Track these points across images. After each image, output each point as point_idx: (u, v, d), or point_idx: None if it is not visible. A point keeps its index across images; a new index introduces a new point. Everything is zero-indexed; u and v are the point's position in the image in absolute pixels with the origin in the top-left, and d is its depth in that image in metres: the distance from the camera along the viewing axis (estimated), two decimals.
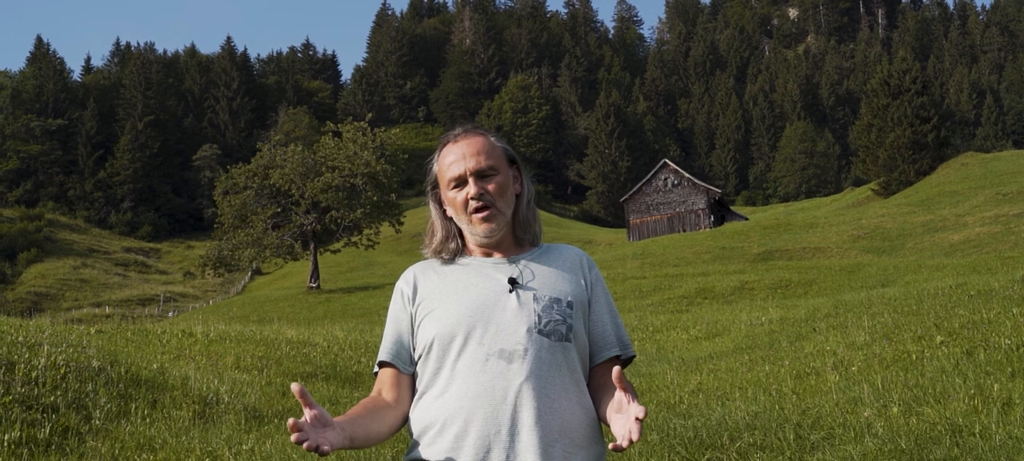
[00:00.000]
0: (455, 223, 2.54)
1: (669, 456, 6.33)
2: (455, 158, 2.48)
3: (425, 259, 2.59)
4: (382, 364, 2.51)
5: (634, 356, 2.58)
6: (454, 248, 2.53)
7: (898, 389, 7.34)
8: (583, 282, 2.50)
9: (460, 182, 2.46)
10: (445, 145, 2.54)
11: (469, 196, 2.44)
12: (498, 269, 2.46)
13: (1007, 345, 8.16)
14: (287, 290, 60.19)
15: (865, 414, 6.66)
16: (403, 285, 2.52)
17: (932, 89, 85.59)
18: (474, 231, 2.46)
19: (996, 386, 6.77)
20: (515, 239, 2.54)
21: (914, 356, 8.92)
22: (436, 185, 2.56)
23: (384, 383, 2.48)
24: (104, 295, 76.75)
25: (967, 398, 6.61)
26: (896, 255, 44.96)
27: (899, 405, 6.80)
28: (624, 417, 2.17)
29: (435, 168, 2.56)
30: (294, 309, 43.88)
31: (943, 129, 79.75)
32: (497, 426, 2.27)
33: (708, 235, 59.31)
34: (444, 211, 2.55)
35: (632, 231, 79.73)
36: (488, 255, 2.51)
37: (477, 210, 2.44)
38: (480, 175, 2.45)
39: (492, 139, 2.53)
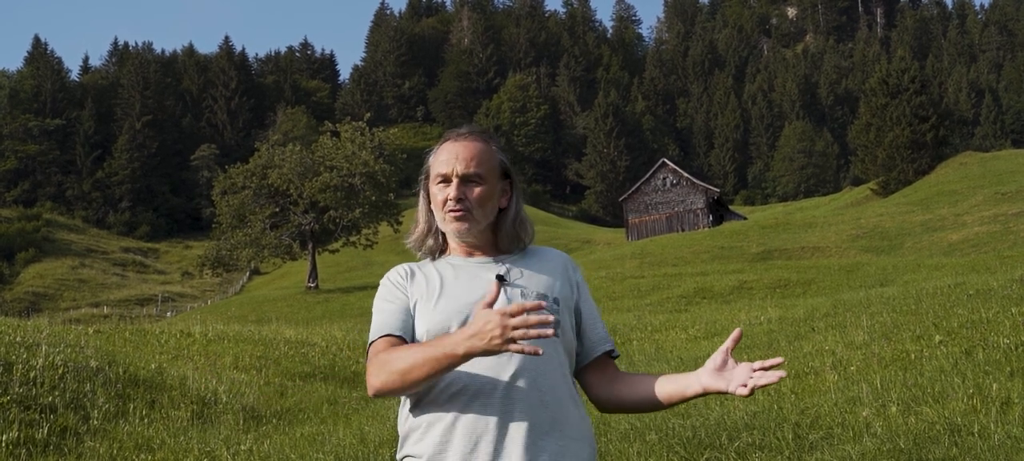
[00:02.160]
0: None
1: (668, 456, 6.32)
2: (448, 156, 2.49)
3: (408, 247, 2.60)
4: (387, 335, 2.41)
5: (618, 355, 2.64)
6: (433, 244, 2.55)
7: (897, 389, 7.33)
8: (569, 283, 2.54)
9: (445, 180, 2.48)
10: (445, 141, 2.56)
11: (449, 196, 2.46)
12: (484, 268, 2.48)
13: (1006, 344, 8.16)
14: (285, 290, 60.18)
15: (864, 414, 6.66)
16: (396, 278, 2.51)
17: (931, 88, 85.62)
18: (446, 229, 2.50)
19: (995, 385, 6.77)
20: (497, 247, 2.55)
21: (913, 355, 8.92)
22: (428, 176, 2.57)
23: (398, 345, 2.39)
24: (102, 295, 76.72)
25: (966, 397, 6.61)
26: (895, 254, 44.98)
27: (898, 405, 6.79)
28: (740, 369, 2.34)
29: (430, 161, 2.58)
30: (292, 309, 43.87)
31: (942, 128, 79.81)
32: (486, 419, 2.28)
33: (707, 235, 59.33)
34: (430, 205, 2.57)
35: (631, 231, 79.73)
36: (471, 255, 2.52)
37: (452, 211, 2.45)
38: (466, 179, 2.47)
39: (493, 148, 2.54)
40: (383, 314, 2.44)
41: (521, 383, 2.31)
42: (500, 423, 2.28)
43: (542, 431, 2.30)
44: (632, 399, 2.51)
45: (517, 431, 2.28)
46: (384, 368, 2.28)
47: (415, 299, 2.44)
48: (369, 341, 2.44)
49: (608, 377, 2.54)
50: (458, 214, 2.45)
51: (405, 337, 2.39)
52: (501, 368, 2.31)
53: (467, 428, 2.28)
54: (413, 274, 2.51)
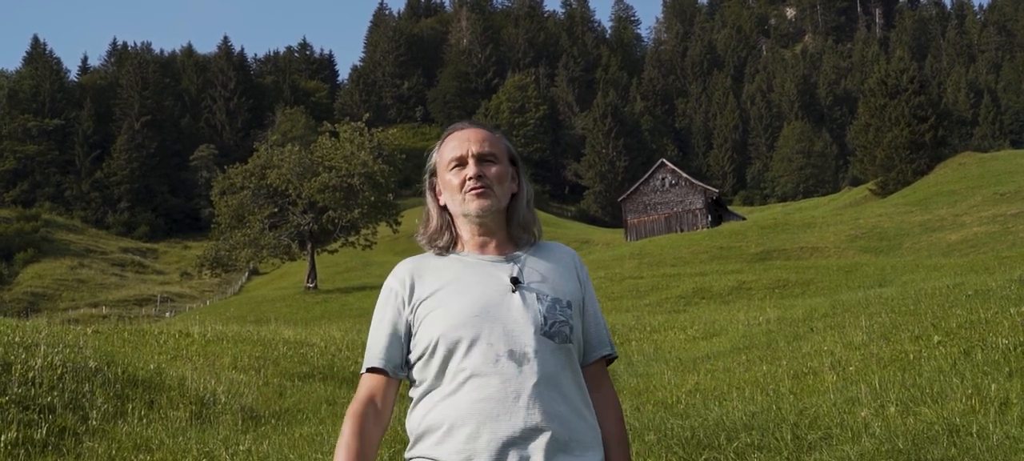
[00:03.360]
0: (449, 215, 2.55)
1: (666, 456, 6.32)
2: (459, 142, 2.51)
3: (419, 246, 2.59)
4: (372, 369, 2.47)
5: (616, 355, 2.62)
6: (447, 240, 2.53)
7: (895, 389, 7.34)
8: (578, 282, 2.52)
9: (461, 163, 2.49)
10: (450, 134, 2.56)
11: (467, 176, 2.46)
12: (497, 267, 2.46)
13: (1004, 345, 8.16)
14: (284, 290, 60.15)
15: (862, 414, 6.66)
16: (397, 285, 2.49)
17: (929, 89, 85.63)
18: (466, 209, 2.47)
19: (993, 386, 6.77)
20: (510, 236, 2.54)
21: (911, 356, 8.92)
22: (434, 173, 2.57)
23: (376, 391, 2.45)
24: (101, 295, 76.66)
25: (964, 398, 6.61)
26: (893, 255, 44.98)
27: (896, 405, 6.79)
28: None
29: (435, 156, 2.58)
30: (291, 309, 43.85)
31: (940, 129, 79.80)
32: (512, 427, 2.26)
33: (706, 235, 59.30)
34: (438, 202, 2.56)
35: (630, 231, 79.72)
36: (483, 249, 2.50)
37: (473, 188, 2.45)
38: (481, 158, 2.48)
39: (498, 135, 2.56)
40: (375, 336, 2.48)
41: (542, 393, 2.30)
42: (525, 432, 2.26)
43: (562, 441, 2.29)
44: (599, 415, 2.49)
45: (542, 439, 2.27)
46: (341, 433, 2.39)
47: (425, 313, 2.41)
48: (365, 362, 2.49)
49: (597, 385, 2.51)
50: (480, 191, 2.45)
51: (388, 371, 2.43)
52: (524, 375, 2.30)
53: (493, 434, 2.26)
54: (419, 276, 2.48)
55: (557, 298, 2.42)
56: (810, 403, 7.52)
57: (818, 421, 6.75)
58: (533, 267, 2.48)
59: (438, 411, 2.33)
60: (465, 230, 2.52)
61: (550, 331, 2.37)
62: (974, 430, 5.82)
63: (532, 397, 2.29)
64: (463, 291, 2.40)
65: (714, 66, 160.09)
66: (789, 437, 6.36)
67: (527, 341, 2.33)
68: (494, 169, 2.48)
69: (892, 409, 6.70)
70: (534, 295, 2.41)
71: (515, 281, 2.42)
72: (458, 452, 2.27)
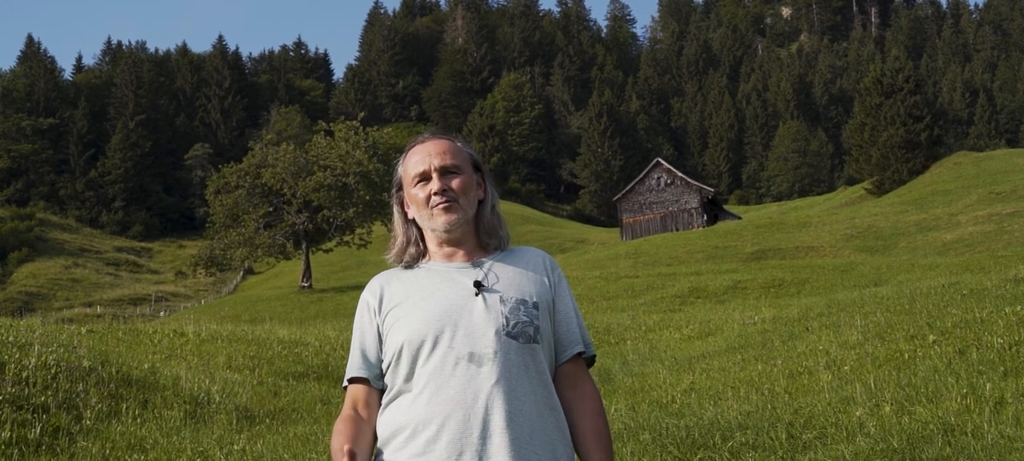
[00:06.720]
0: (416, 228, 2.58)
1: (661, 456, 6.32)
2: (421, 156, 2.53)
3: (389, 264, 2.62)
4: (353, 380, 2.52)
5: (595, 355, 2.63)
6: (415, 253, 2.57)
7: (890, 388, 7.33)
8: (547, 282, 2.54)
9: (424, 177, 2.51)
10: (411, 148, 2.59)
11: (432, 191, 2.48)
12: (462, 273, 2.48)
13: (1000, 344, 8.16)
14: (279, 289, 60.12)
15: (857, 413, 6.66)
16: (369, 297, 2.54)
17: (925, 88, 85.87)
18: (434, 225, 2.50)
19: (988, 385, 6.77)
20: (479, 243, 2.57)
21: (907, 355, 8.92)
22: (400, 188, 2.60)
23: (359, 401, 2.50)
24: (95, 295, 76.53)
25: (959, 397, 6.61)
26: (889, 254, 45.02)
27: (891, 404, 6.79)
28: None
29: (400, 171, 2.61)
30: (286, 308, 43.82)
31: (936, 128, 79.94)
32: (469, 429, 2.29)
33: (701, 234, 59.33)
34: (406, 215, 2.59)
35: (625, 230, 79.73)
36: (451, 259, 2.52)
37: (439, 203, 2.47)
38: (444, 171, 2.51)
39: (458, 143, 2.59)
40: (355, 348, 2.53)
41: (501, 392, 2.31)
42: (482, 433, 2.29)
43: (522, 442, 2.30)
44: (571, 418, 2.48)
45: (500, 441, 2.28)
46: (333, 435, 2.41)
47: (392, 322, 2.45)
48: (346, 374, 2.54)
49: (572, 383, 2.52)
50: (446, 204, 2.48)
51: (369, 379, 2.48)
52: (483, 377, 2.32)
53: (451, 436, 2.29)
54: (388, 287, 2.52)
55: (522, 299, 2.44)
56: (805, 402, 7.52)
57: (813, 420, 6.75)
58: (499, 271, 2.50)
59: (403, 415, 2.37)
60: (433, 242, 2.55)
61: (513, 331, 2.39)
62: (969, 429, 5.81)
63: (491, 398, 2.31)
64: (427, 298, 2.44)
65: (710, 65, 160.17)
66: (784, 436, 6.35)
67: (488, 343, 2.36)
68: (458, 181, 2.51)
69: (887, 408, 6.70)
70: (497, 297, 2.43)
71: (478, 285, 2.44)
72: (419, 455, 2.30)
